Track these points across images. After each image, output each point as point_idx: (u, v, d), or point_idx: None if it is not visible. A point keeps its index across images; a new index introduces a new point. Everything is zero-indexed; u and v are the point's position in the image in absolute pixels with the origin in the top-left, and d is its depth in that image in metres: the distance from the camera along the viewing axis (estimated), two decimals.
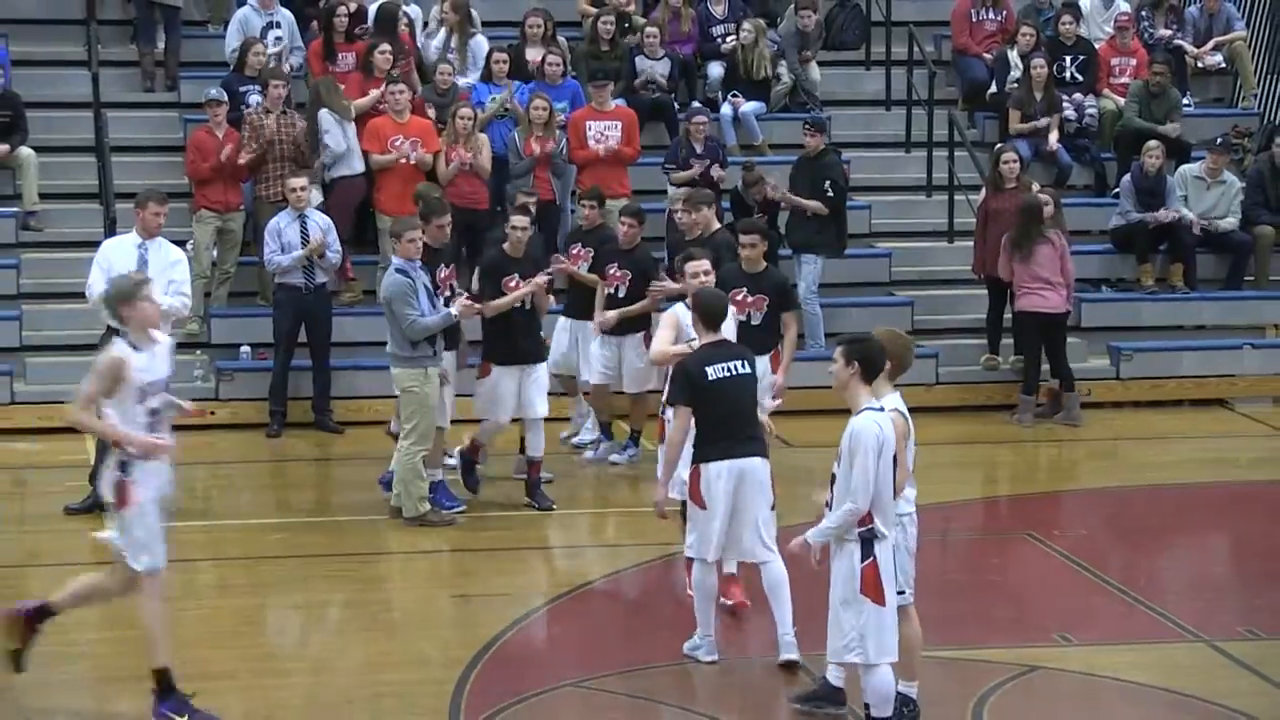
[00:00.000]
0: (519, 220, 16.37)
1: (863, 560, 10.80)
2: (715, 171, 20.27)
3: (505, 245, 16.30)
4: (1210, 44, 23.65)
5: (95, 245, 19.53)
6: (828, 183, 19.75)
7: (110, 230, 19.47)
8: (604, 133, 20.24)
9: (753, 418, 12.52)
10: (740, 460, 12.26)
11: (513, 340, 16.14)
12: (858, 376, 10.87)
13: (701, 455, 12.29)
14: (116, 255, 15.49)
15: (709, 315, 12.51)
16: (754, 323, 15.31)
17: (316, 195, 19.13)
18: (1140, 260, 21.32)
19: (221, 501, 16.84)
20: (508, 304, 15.99)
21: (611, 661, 12.80)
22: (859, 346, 10.93)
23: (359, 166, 19.83)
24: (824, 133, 20.32)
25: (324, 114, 19.68)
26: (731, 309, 13.38)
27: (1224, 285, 21.60)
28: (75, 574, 14.71)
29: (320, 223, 18.49)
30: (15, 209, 20.26)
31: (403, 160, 19.64)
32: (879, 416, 10.82)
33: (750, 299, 15.38)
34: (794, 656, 12.24)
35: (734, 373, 12.33)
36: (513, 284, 16.07)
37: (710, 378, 12.25)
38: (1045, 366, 19.64)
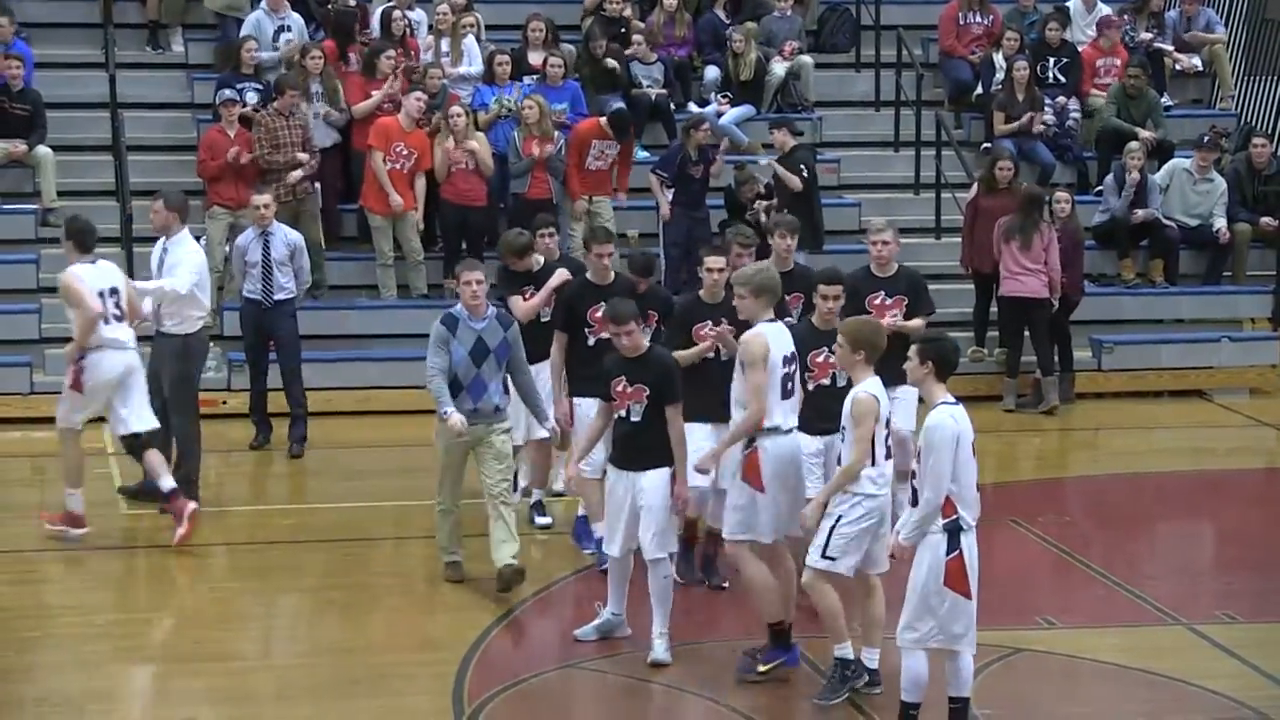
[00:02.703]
0: (714, 262, 13.52)
1: (948, 553, 10.78)
2: (714, 169, 20.29)
3: (700, 291, 13.67)
4: (1189, 39, 23.62)
5: (113, 241, 19.73)
6: (802, 166, 19.76)
7: (126, 227, 19.51)
8: (604, 152, 20.22)
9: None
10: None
11: (705, 396, 12.88)
12: (932, 375, 10.88)
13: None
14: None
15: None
16: (839, 385, 12.53)
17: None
18: (1121, 256, 21.36)
19: (232, 488, 16.82)
20: (698, 355, 13.35)
21: (611, 644, 12.78)
22: (933, 346, 10.96)
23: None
24: (795, 133, 20.28)
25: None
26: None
27: (1202, 281, 21.62)
28: (90, 559, 14.88)
29: (286, 240, 17.40)
30: (35, 206, 20.24)
31: (394, 166, 19.65)
32: (955, 410, 10.81)
33: (834, 359, 12.46)
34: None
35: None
36: (704, 330, 13.46)
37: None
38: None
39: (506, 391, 13.75)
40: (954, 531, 10.78)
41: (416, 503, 15.92)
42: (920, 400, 12.20)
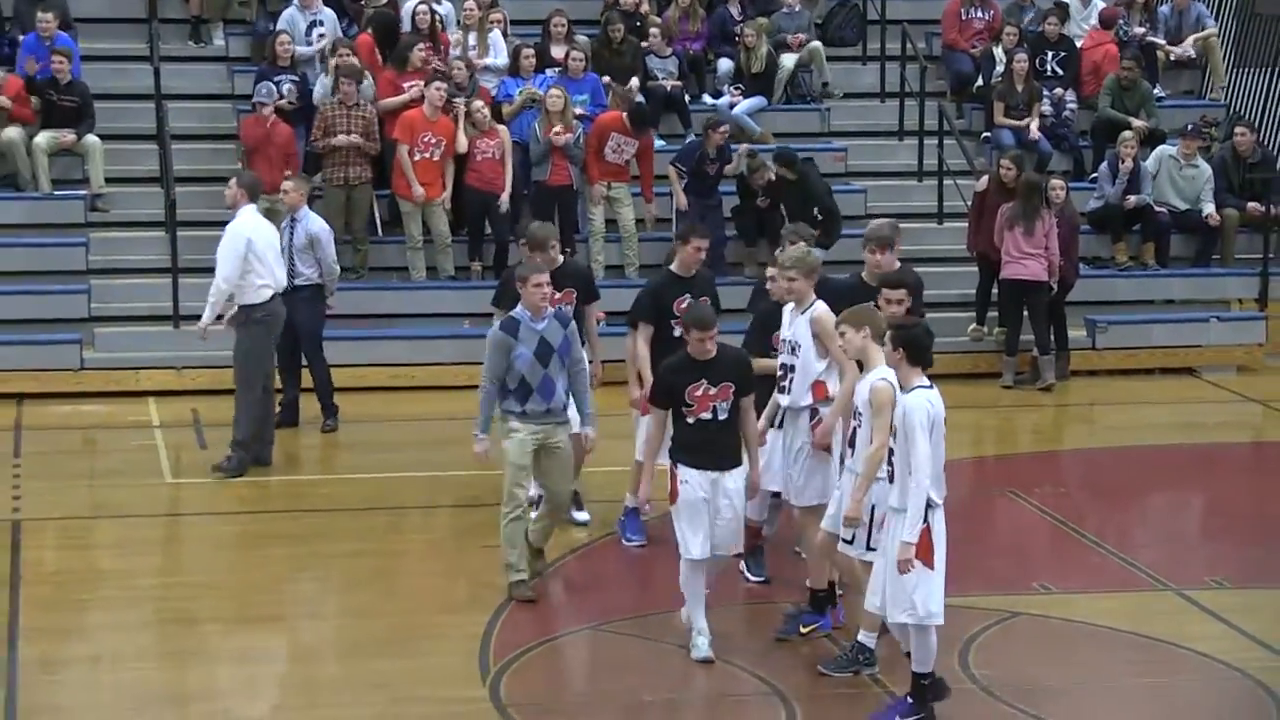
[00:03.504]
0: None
1: None
2: (728, 169, 20.33)
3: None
4: (1189, 40, 23.58)
5: (158, 225, 19.77)
6: (816, 209, 19.57)
7: (170, 212, 19.53)
8: (621, 146, 20.19)
9: None
10: None
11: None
12: (905, 360, 10.74)
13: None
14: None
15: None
16: None
17: None
18: (1115, 240, 21.34)
19: (274, 457, 16.79)
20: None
21: (629, 607, 12.79)
22: (904, 332, 10.80)
23: None
24: (792, 164, 19.91)
25: None
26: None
27: (1192, 263, 21.59)
28: (137, 527, 14.93)
29: (309, 229, 16.93)
30: (84, 192, 20.25)
31: (424, 156, 19.65)
32: (930, 394, 10.70)
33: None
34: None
35: None
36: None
37: None
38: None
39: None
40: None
41: (445, 473, 15.98)
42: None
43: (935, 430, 10.67)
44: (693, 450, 11.64)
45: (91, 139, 20.18)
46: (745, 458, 11.86)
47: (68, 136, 20.10)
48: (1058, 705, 11.39)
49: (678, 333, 13.11)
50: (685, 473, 11.63)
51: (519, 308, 12.80)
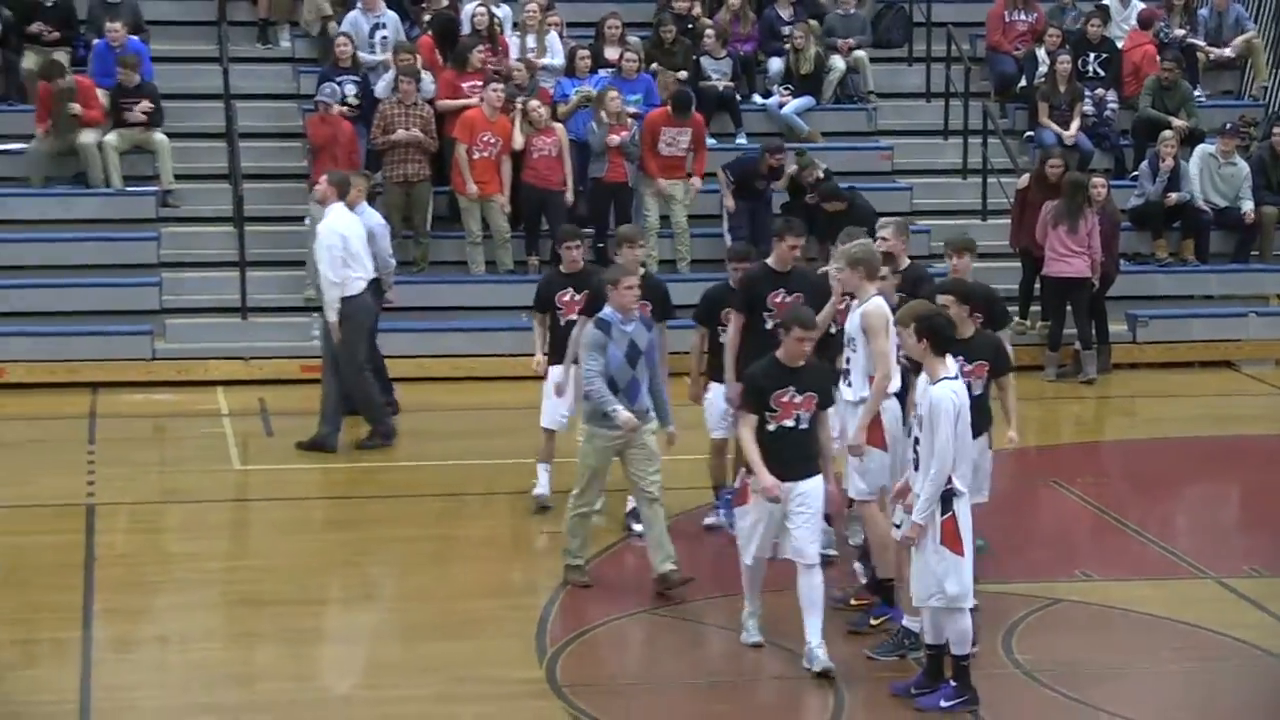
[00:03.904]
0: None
1: (942, 514, 10.67)
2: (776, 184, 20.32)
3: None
4: (1235, 41, 23.40)
5: (226, 221, 19.81)
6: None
7: (238, 208, 19.57)
8: (675, 138, 20.14)
9: None
10: None
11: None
12: (929, 349, 10.71)
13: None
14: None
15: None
16: (975, 392, 11.84)
17: None
18: (1155, 236, 21.22)
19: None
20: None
21: (683, 592, 12.73)
22: (926, 320, 10.76)
23: None
24: (839, 197, 19.53)
25: None
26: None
27: (1231, 259, 21.45)
28: (205, 512, 14.97)
29: (368, 224, 16.60)
30: (155, 188, 20.30)
31: (483, 155, 19.64)
32: (955, 386, 10.68)
33: (969, 367, 11.94)
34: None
35: None
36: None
37: None
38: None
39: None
40: (947, 496, 10.67)
41: (504, 461, 15.97)
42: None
43: (960, 421, 10.63)
44: (770, 458, 11.29)
45: (161, 137, 20.23)
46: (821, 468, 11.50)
47: (140, 134, 20.17)
48: (1098, 689, 11.31)
49: (770, 325, 12.94)
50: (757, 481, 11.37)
51: (607, 309, 12.58)
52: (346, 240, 16.01)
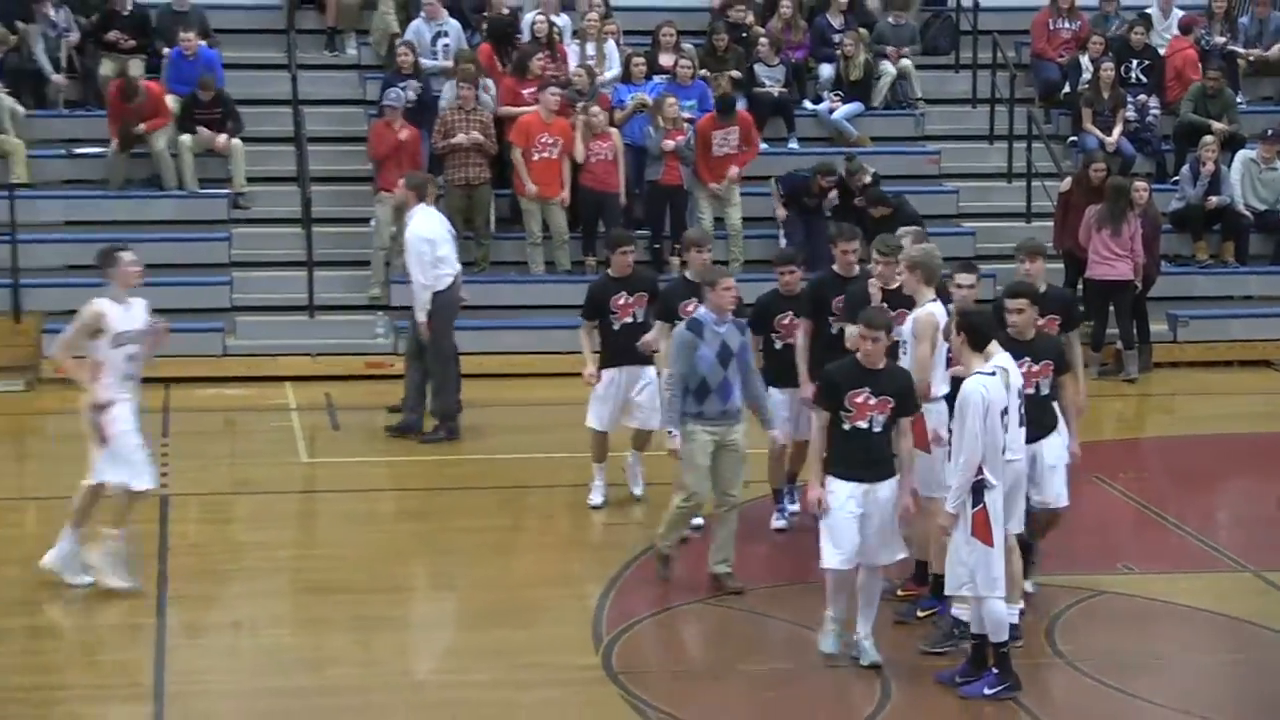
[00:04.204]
0: (965, 279, 12.20)
1: (973, 506, 10.67)
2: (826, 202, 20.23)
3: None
4: (1275, 47, 23.27)
5: (295, 222, 19.90)
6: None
7: (306, 210, 19.67)
8: (726, 139, 20.16)
9: None
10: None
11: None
12: (966, 344, 10.76)
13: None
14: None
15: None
16: (1043, 393, 11.84)
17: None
18: (1196, 239, 21.14)
19: (402, 441, 16.86)
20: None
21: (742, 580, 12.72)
22: (966, 317, 10.85)
23: None
24: (885, 203, 19.41)
25: None
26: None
27: (1270, 261, 21.36)
28: (274, 502, 15.05)
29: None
30: (227, 191, 20.43)
31: (543, 156, 19.68)
32: (986, 380, 10.67)
33: (1035, 368, 11.82)
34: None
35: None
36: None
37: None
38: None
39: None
40: (978, 488, 10.65)
41: (561, 455, 15.99)
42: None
43: (989, 415, 10.61)
44: (844, 460, 11.09)
45: (234, 142, 20.35)
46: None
47: (217, 140, 20.27)
48: (1140, 679, 11.30)
49: (835, 330, 12.91)
50: (834, 484, 11.12)
51: (701, 309, 12.43)
52: (434, 244, 16.15)
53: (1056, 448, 11.98)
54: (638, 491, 14.62)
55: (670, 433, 12.42)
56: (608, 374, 14.31)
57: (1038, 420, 11.54)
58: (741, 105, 20.91)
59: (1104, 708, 11.09)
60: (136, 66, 20.57)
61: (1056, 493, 12.04)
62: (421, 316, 16.27)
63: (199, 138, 20.22)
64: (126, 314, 12.43)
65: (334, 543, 14.18)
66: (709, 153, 20.11)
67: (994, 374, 10.76)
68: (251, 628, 12.18)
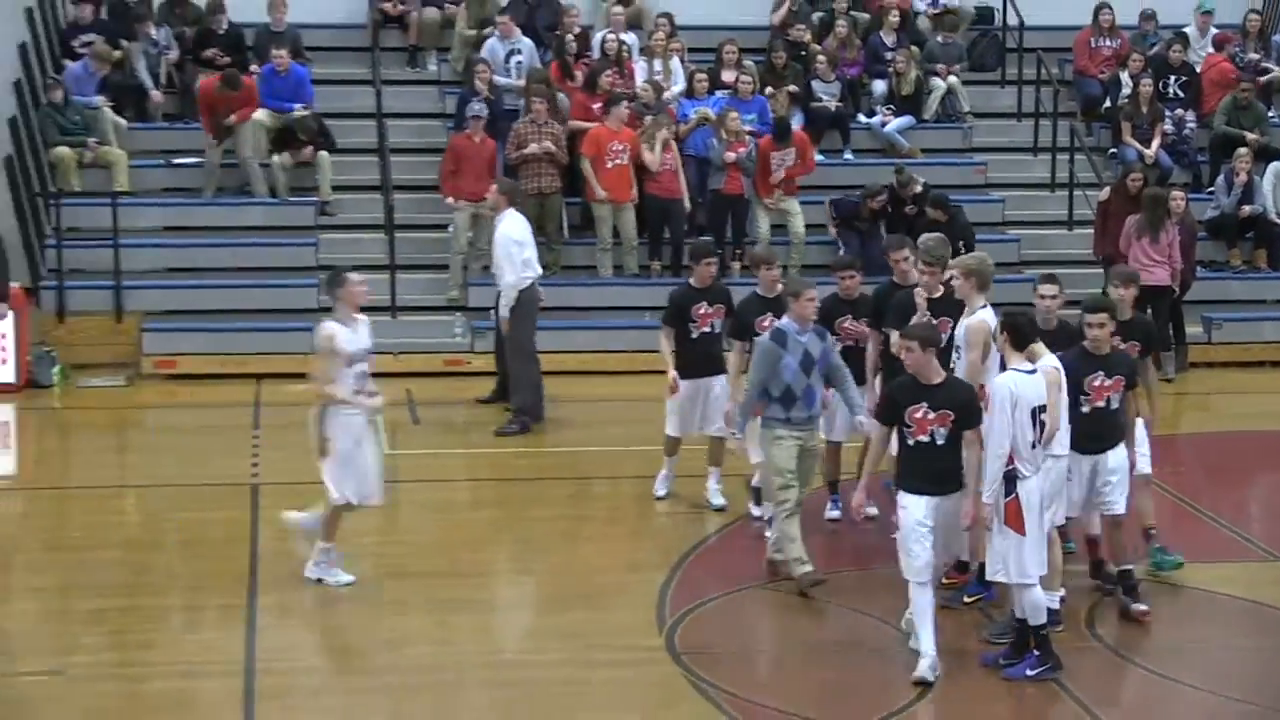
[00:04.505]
0: (1047, 290, 12.10)
1: (1006, 496, 10.61)
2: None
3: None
4: None
5: (378, 228, 19.95)
6: (961, 242, 19.14)
7: (389, 216, 19.72)
8: (782, 159, 20.10)
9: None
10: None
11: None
12: (1008, 343, 10.74)
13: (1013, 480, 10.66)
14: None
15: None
16: (1113, 407, 11.57)
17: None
18: (1230, 246, 20.98)
19: (477, 433, 16.91)
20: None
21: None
22: (1010, 318, 10.84)
23: None
24: (944, 207, 19.23)
25: None
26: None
27: None
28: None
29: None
30: (314, 199, 20.51)
31: (615, 163, 19.66)
32: (1017, 377, 10.61)
33: (1107, 382, 11.55)
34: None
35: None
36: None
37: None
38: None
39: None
40: (1011, 479, 10.57)
41: (628, 448, 15.97)
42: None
43: (1018, 409, 10.55)
44: (912, 474, 10.84)
45: (322, 154, 20.42)
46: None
47: (304, 152, 20.35)
48: (1176, 663, 11.23)
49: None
50: (904, 499, 10.87)
51: (785, 319, 12.17)
52: (523, 245, 16.25)
53: (1120, 458, 11.71)
54: (719, 503, 14.10)
55: (735, 435, 12.24)
56: (685, 384, 13.94)
57: (1105, 433, 11.39)
58: (798, 121, 20.90)
59: (1139, 690, 11.04)
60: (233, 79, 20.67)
61: (1111, 500, 11.74)
62: (505, 313, 16.31)
63: (294, 153, 20.28)
64: (354, 335, 12.40)
65: (413, 530, 14.19)
66: (768, 173, 20.06)
67: (1033, 372, 10.70)
68: (336, 608, 12.19)
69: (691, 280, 14.25)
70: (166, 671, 10.99)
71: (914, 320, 12.18)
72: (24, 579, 12.87)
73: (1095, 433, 11.42)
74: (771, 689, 10.98)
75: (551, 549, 13.62)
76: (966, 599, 11.92)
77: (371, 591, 12.59)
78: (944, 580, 12.15)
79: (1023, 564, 10.64)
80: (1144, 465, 12.27)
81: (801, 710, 10.57)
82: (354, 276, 12.36)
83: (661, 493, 14.41)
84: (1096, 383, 11.38)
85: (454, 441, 16.49)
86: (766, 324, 12.91)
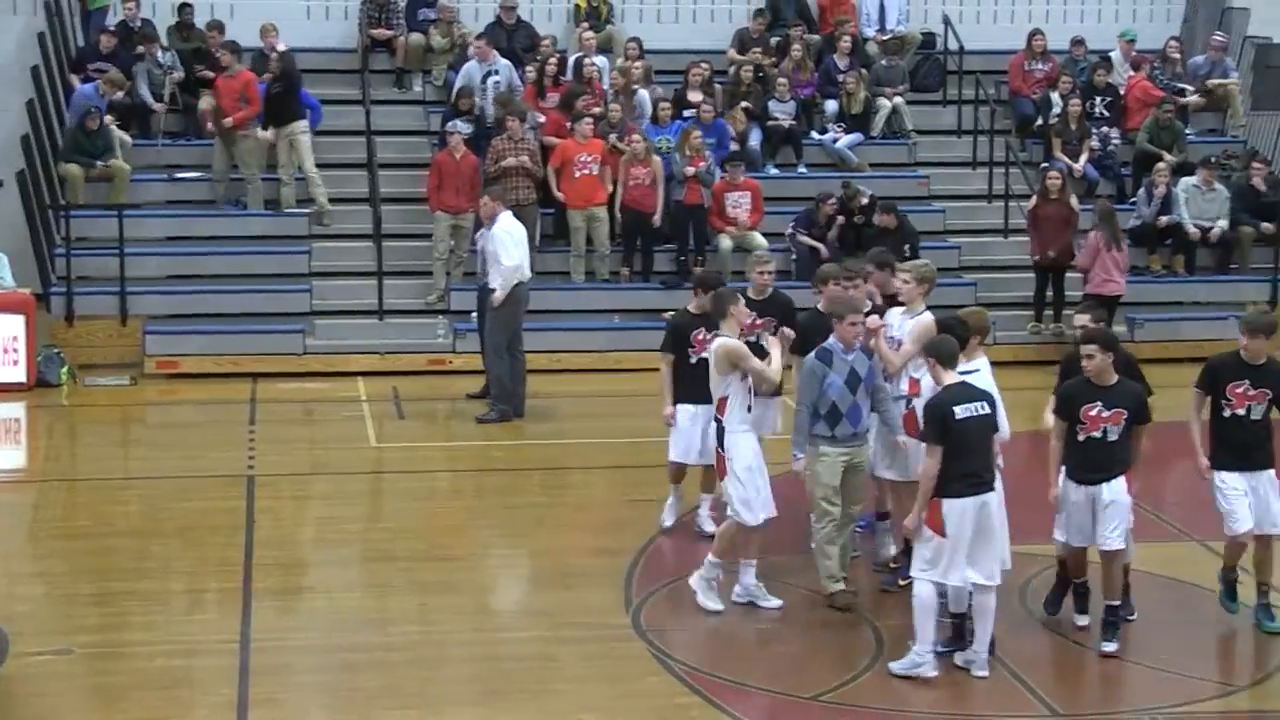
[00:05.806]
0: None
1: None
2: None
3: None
4: (1212, 84, 23.14)
5: (367, 237, 19.87)
6: (907, 247, 19.10)
7: (377, 227, 19.63)
8: (737, 202, 19.97)
9: (989, 455, 10.59)
10: (983, 495, 10.50)
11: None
12: (938, 365, 10.63)
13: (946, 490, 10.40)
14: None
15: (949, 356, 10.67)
16: (1110, 438, 10.92)
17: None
18: (1150, 252, 21.02)
19: (459, 427, 16.86)
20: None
21: (753, 551, 12.54)
22: (931, 347, 10.78)
23: None
24: (894, 214, 19.43)
25: None
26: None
27: (1214, 271, 21.20)
28: (344, 482, 15.00)
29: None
30: (308, 210, 20.39)
31: (582, 173, 19.61)
32: (966, 383, 10.61)
33: (1107, 414, 10.92)
34: (984, 674, 10.65)
35: (978, 414, 10.48)
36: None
37: (959, 417, 10.39)
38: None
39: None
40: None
41: (599, 441, 15.94)
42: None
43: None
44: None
45: (315, 174, 20.24)
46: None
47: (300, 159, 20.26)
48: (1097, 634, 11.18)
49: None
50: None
51: (831, 339, 11.50)
52: (520, 242, 16.31)
53: (1116, 491, 10.96)
54: (711, 530, 12.76)
55: (795, 455, 11.58)
56: (687, 409, 12.90)
57: (1101, 464, 10.84)
58: (756, 137, 20.83)
59: (1070, 659, 11.05)
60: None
61: (1104, 535, 10.97)
62: (500, 293, 16.24)
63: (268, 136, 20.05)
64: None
65: (398, 517, 14.14)
66: (723, 210, 19.97)
67: (973, 371, 10.73)
68: (326, 591, 12.14)
69: (690, 306, 13.26)
70: (168, 650, 10.91)
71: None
72: (35, 565, 12.78)
73: (1090, 463, 10.87)
74: (729, 663, 10.94)
75: (526, 534, 13.57)
76: (901, 581, 11.85)
77: (358, 575, 12.56)
78: (891, 565, 12.15)
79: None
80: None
81: (758, 682, 10.55)
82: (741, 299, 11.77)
83: (669, 523, 13.27)
84: (1093, 412, 10.80)
85: (436, 434, 16.43)
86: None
